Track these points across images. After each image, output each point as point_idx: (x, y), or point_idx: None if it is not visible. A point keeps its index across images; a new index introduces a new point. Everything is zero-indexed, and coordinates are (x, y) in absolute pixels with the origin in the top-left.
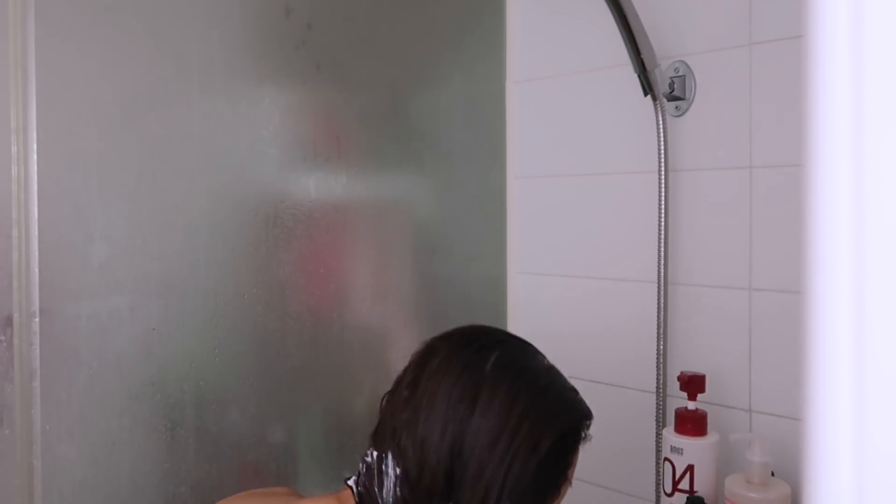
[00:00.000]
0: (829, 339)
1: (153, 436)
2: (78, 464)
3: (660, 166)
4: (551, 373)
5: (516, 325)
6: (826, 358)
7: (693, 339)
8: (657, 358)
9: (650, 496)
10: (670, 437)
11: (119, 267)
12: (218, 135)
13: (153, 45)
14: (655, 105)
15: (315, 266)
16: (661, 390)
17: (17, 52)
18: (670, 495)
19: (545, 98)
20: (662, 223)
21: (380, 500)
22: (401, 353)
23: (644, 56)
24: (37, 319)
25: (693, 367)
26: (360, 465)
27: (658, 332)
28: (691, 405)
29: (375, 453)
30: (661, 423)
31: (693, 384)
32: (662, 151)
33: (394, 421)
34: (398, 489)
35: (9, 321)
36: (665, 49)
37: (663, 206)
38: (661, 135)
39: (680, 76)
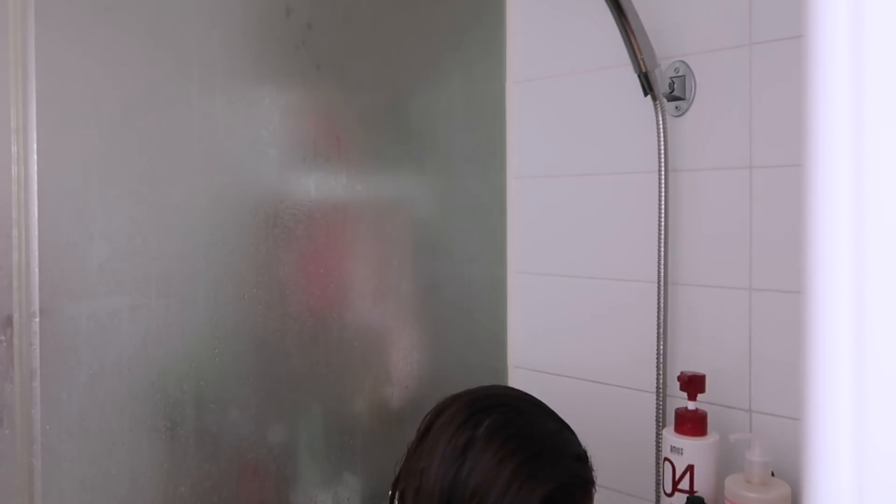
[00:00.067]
0: (829, 339)
1: (153, 436)
2: (78, 464)
3: (660, 166)
4: (555, 438)
5: (516, 325)
6: (826, 358)
7: (693, 339)
8: (657, 358)
9: (650, 496)
10: (670, 437)
11: (119, 267)
12: (218, 135)
13: (153, 44)
14: (655, 105)
15: (315, 266)
16: (661, 390)
17: (17, 52)
18: (670, 495)
19: (545, 98)
20: (662, 223)
21: None
22: (401, 353)
23: (644, 56)
24: (37, 319)
25: (693, 367)
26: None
27: (658, 332)
28: (691, 405)
29: (390, 493)
30: (661, 423)
31: (693, 384)
32: (662, 151)
33: (405, 465)
34: None
35: (9, 321)
36: (665, 49)
37: (663, 206)
38: (661, 135)
39: (680, 76)
